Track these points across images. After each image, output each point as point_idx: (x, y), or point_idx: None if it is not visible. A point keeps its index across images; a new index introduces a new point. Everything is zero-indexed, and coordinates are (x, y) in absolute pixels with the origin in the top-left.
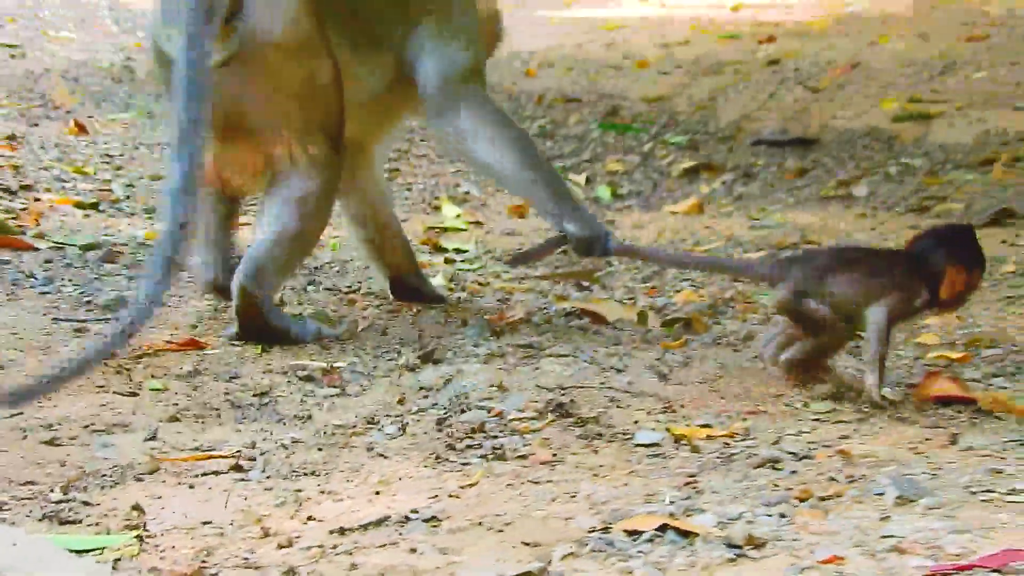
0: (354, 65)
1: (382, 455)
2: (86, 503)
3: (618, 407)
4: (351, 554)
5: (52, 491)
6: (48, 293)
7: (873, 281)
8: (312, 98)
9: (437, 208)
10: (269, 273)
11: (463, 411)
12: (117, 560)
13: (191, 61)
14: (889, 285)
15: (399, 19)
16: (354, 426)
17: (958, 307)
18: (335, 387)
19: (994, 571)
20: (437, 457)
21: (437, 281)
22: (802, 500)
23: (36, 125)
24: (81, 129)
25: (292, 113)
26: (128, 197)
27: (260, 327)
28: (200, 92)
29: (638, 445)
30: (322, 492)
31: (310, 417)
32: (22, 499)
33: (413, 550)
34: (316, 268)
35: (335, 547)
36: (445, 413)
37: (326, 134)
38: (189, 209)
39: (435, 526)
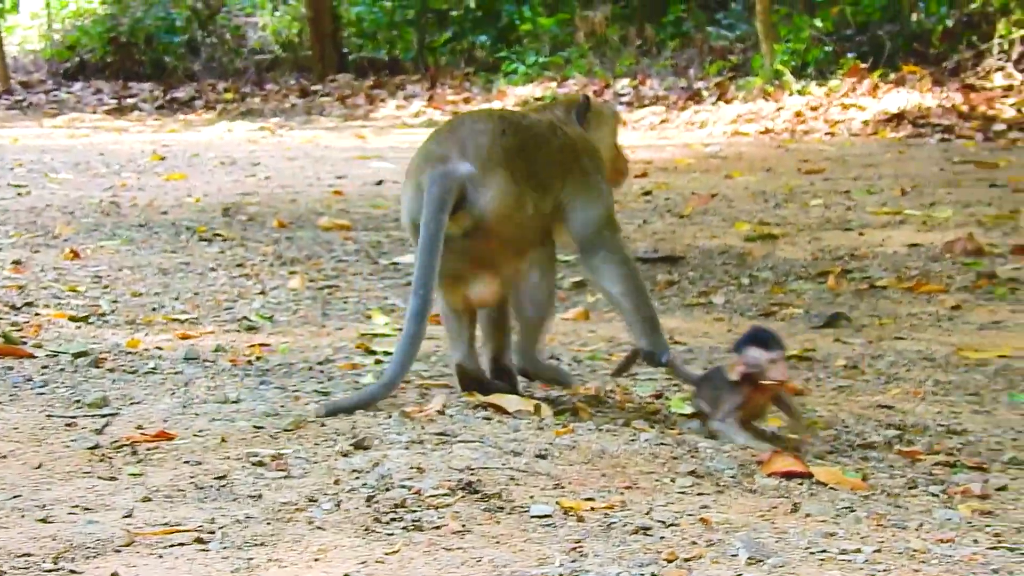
0: (532, 199)
1: (320, 528)
2: (73, 571)
3: (517, 484)
4: None
5: (44, 561)
6: (44, 394)
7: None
8: (525, 229)
9: (369, 317)
10: (533, 350)
11: (388, 489)
12: None
13: (428, 236)
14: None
15: (556, 176)
16: (297, 503)
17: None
18: (282, 470)
19: None
20: (366, 529)
21: (367, 380)
22: (669, 561)
23: (37, 252)
24: (75, 255)
25: (515, 244)
26: (113, 311)
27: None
28: (431, 256)
29: (533, 517)
30: (270, 560)
31: (260, 496)
32: (19, 569)
33: None
34: (267, 371)
35: None
36: (373, 491)
37: (539, 242)
38: (420, 331)
39: None
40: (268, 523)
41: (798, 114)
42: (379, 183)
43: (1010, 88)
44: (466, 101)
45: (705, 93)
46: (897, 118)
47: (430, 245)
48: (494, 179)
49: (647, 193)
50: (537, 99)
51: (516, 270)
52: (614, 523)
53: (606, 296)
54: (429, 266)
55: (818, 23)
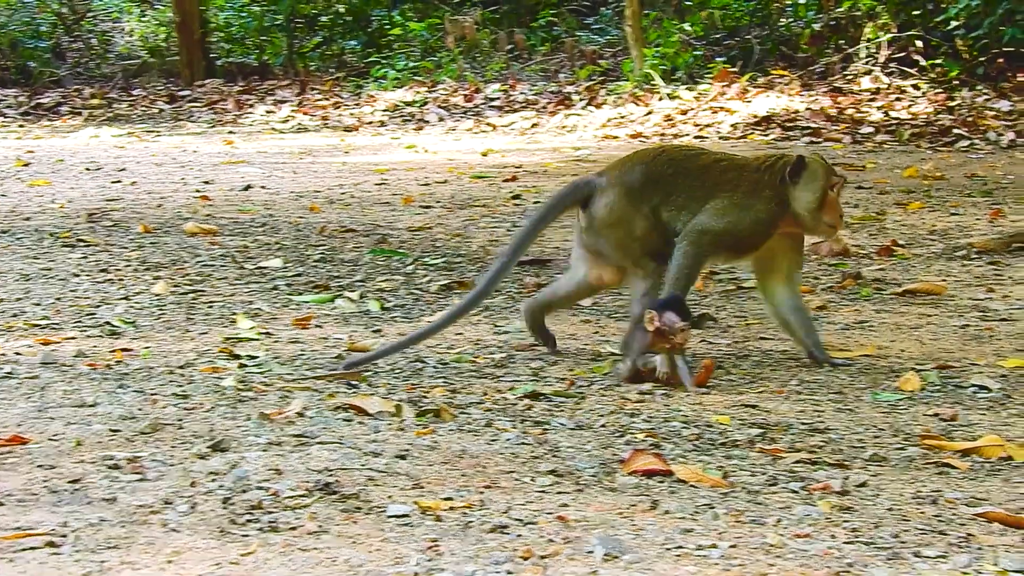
0: (648, 218)
1: (175, 530)
2: None
3: (375, 485)
4: None
5: None
6: None
7: None
8: (632, 241)
9: (233, 322)
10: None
11: (244, 491)
12: None
13: (537, 218)
14: None
15: (695, 201)
16: (152, 506)
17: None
18: (138, 473)
19: None
20: (222, 531)
21: (229, 383)
22: (525, 559)
23: None
24: None
25: (623, 251)
26: None
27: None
28: (530, 234)
29: (390, 516)
30: (123, 563)
31: (115, 499)
32: None
33: None
34: (126, 375)
35: None
36: (229, 493)
37: (649, 257)
38: (487, 288)
39: None
40: (122, 526)
41: (668, 118)
42: (247, 188)
43: (877, 91)
44: (336, 106)
45: (576, 97)
46: (766, 121)
47: (532, 221)
48: (611, 193)
49: (516, 197)
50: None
51: (632, 271)
52: (472, 522)
53: None
54: (523, 238)
55: (688, 28)
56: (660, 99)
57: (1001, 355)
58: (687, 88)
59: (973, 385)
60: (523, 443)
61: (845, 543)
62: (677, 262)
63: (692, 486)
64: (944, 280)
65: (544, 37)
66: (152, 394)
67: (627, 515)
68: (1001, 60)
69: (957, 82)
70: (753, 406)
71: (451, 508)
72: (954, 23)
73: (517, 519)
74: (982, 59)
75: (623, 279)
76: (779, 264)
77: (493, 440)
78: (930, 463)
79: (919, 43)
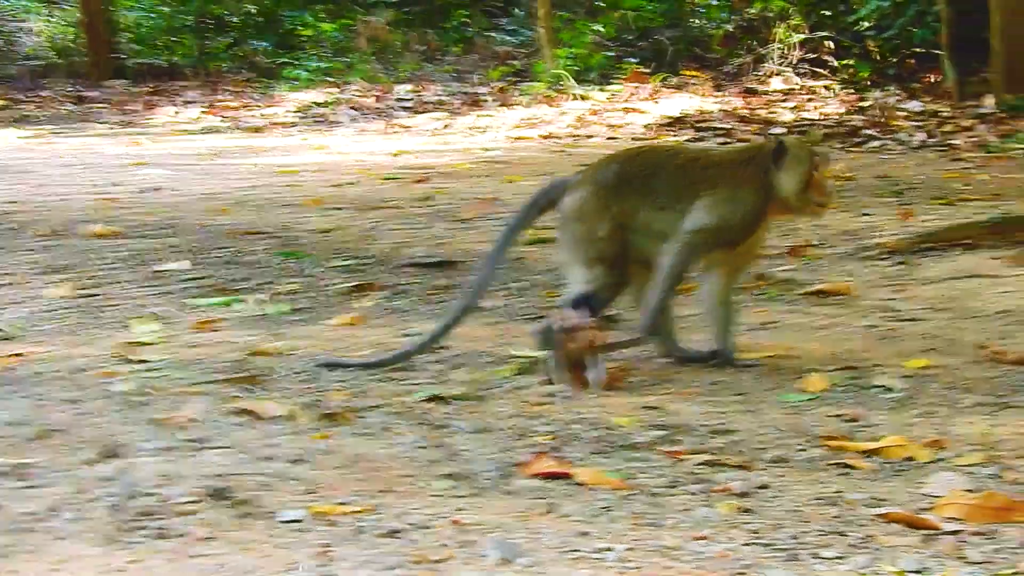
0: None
1: (61, 538)
2: None
3: (268, 490)
4: None
5: None
6: None
7: None
8: (591, 242)
9: (127, 327)
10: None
11: (133, 498)
12: None
13: (515, 221)
14: None
15: (680, 198)
16: (38, 513)
17: None
18: (24, 480)
19: None
20: (109, 538)
21: (122, 387)
22: (418, 563)
23: None
24: None
25: (578, 249)
26: None
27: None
28: (508, 238)
29: (282, 522)
30: (7, 572)
31: (0, 507)
32: None
33: None
34: (15, 380)
35: None
36: (118, 500)
37: (600, 263)
38: (491, 270)
39: None
40: (6, 534)
41: (580, 119)
42: (154, 190)
43: (789, 92)
44: (246, 107)
45: (487, 98)
46: (678, 122)
47: (510, 225)
48: (581, 190)
49: (427, 198)
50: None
51: (575, 268)
52: (365, 527)
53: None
54: (503, 241)
55: (600, 28)
56: (572, 99)
57: (906, 355)
58: (599, 89)
59: (877, 386)
60: (421, 447)
61: (743, 545)
62: (669, 262)
63: (591, 489)
64: (853, 280)
65: (456, 38)
66: (42, 399)
67: (524, 519)
68: (911, 61)
69: (868, 83)
70: (657, 408)
71: (345, 513)
72: (865, 24)
73: (411, 524)
74: (893, 60)
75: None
76: (732, 257)
77: (391, 444)
78: (832, 464)
79: (830, 44)
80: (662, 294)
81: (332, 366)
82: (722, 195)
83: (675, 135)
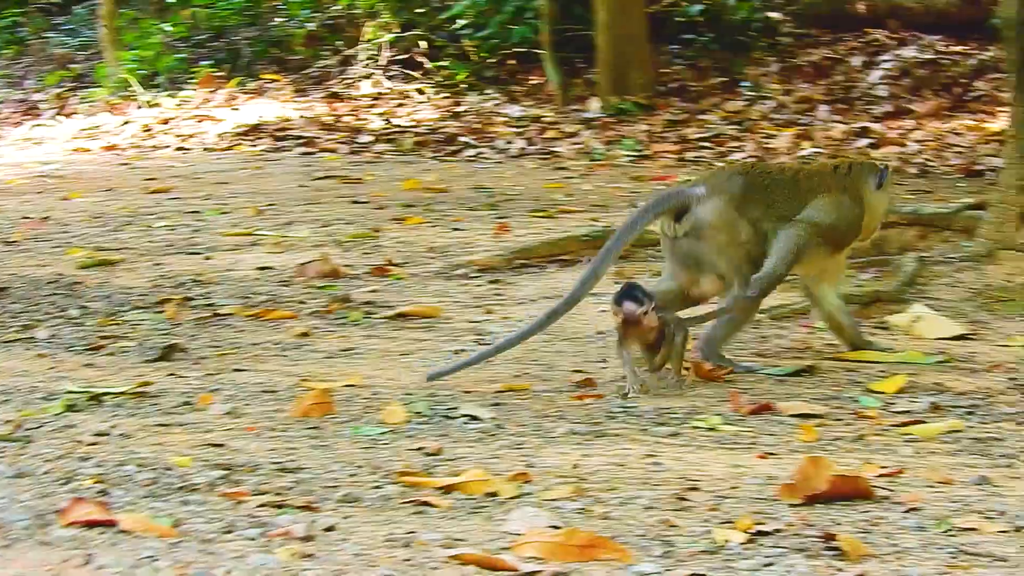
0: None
1: None
2: None
3: None
4: None
5: None
6: None
7: None
8: (737, 247)
9: None
10: (716, 344)
11: None
12: None
13: (626, 227)
14: None
15: (792, 210)
16: None
17: None
18: None
19: None
20: None
21: None
22: None
23: None
24: None
25: (726, 257)
26: None
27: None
28: (620, 242)
29: None
30: None
31: None
32: None
33: None
34: None
35: None
36: None
37: (749, 263)
38: (579, 294)
39: None
40: None
41: (146, 128)
42: None
43: (379, 96)
44: None
45: (44, 106)
46: (256, 130)
47: (622, 230)
48: (716, 200)
49: None
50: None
51: (730, 279)
52: None
53: None
54: (615, 245)
55: (168, 28)
56: (138, 107)
57: (496, 382)
58: (168, 95)
59: (464, 415)
60: None
61: None
62: (783, 242)
63: (137, 536)
64: (441, 301)
65: (9, 39)
66: None
67: (58, 571)
68: (513, 61)
69: (465, 86)
70: (220, 445)
71: None
72: (461, 22)
73: None
74: (492, 60)
75: (721, 288)
76: (832, 269)
77: None
78: (408, 502)
79: (423, 44)
80: (779, 263)
81: (440, 374)
82: (832, 198)
83: (252, 145)
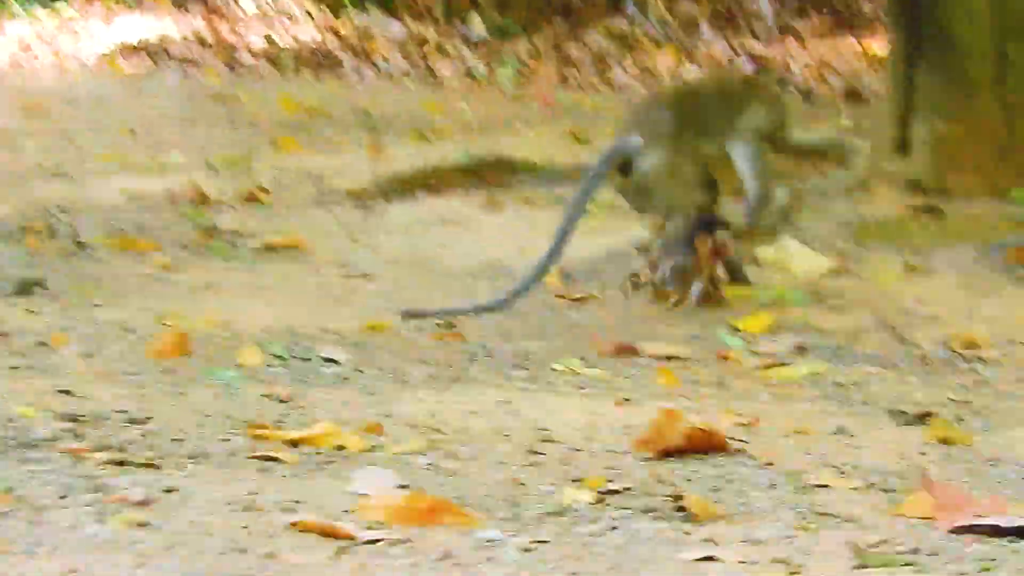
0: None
1: None
2: None
3: None
4: None
5: None
6: None
7: None
8: (685, 188)
9: None
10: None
11: None
12: None
13: (593, 177)
14: None
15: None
16: None
17: None
18: None
19: None
20: None
21: None
22: None
23: None
24: None
25: (677, 200)
26: None
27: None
28: (588, 191)
29: None
30: None
31: None
32: None
33: None
34: None
35: None
36: None
37: (699, 190)
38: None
39: None
40: None
41: (24, 45)
42: None
43: (260, 14)
44: None
45: None
46: (135, 49)
47: (576, 202)
48: (655, 152)
49: None
50: None
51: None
52: None
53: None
54: (568, 225)
55: None
56: (13, 20)
57: (358, 320)
58: (49, 11)
59: (322, 358)
60: None
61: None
62: (748, 159)
63: None
64: (309, 231)
65: None
66: None
67: None
68: None
69: (346, 2)
70: (69, 392)
71: None
72: None
73: None
74: None
75: None
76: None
77: None
78: (255, 457)
79: None
80: (759, 183)
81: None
82: (761, 104)
83: (131, 65)
